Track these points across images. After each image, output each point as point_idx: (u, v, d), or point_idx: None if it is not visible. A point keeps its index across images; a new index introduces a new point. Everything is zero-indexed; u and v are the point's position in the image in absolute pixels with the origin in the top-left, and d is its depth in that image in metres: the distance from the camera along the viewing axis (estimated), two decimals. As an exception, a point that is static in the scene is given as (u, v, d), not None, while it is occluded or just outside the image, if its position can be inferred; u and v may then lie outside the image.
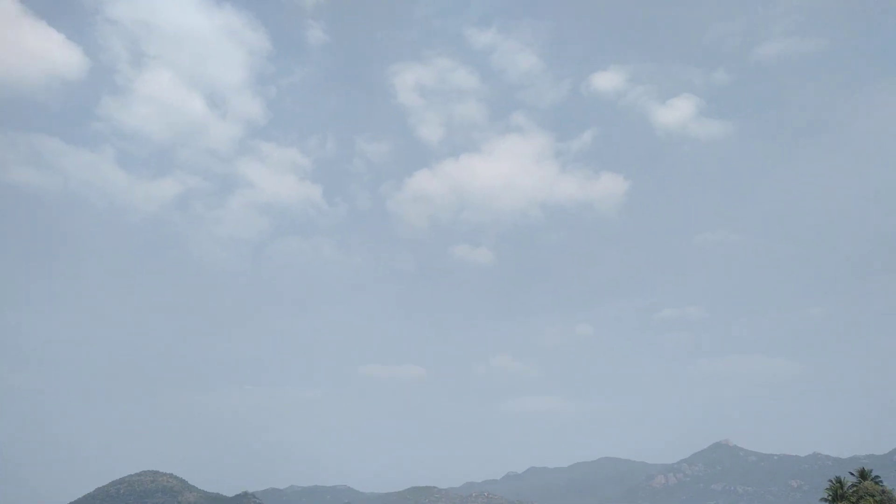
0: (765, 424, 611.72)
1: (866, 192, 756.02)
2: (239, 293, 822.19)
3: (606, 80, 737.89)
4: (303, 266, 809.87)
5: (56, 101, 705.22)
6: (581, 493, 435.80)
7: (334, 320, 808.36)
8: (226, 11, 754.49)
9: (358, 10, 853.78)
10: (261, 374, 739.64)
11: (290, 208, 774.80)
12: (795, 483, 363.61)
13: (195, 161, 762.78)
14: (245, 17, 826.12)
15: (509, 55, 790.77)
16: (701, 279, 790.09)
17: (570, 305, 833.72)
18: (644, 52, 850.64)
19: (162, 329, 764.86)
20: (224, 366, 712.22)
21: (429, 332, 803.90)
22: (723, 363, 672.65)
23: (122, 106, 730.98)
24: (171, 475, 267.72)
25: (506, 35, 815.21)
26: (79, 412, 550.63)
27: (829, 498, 54.09)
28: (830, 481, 55.47)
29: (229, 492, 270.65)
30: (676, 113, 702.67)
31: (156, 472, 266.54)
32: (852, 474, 56.47)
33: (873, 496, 50.57)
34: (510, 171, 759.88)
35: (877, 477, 55.84)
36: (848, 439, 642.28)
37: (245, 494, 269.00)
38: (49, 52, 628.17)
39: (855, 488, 53.04)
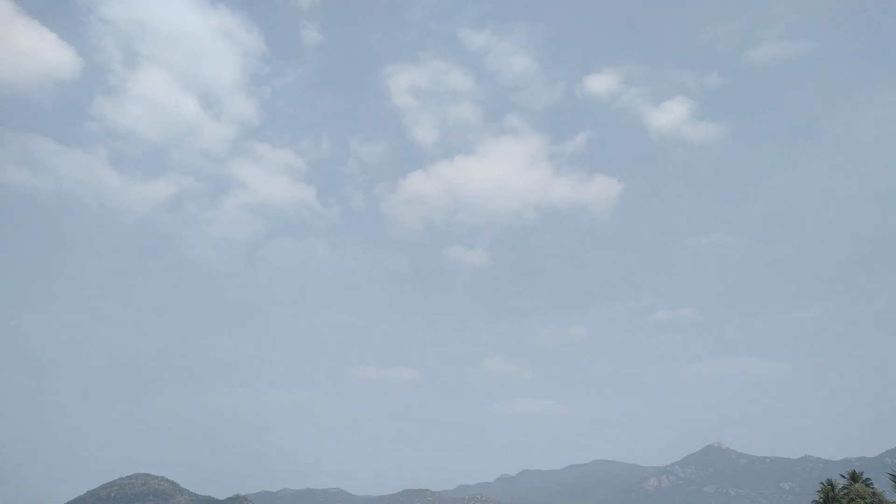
0: (757, 427, 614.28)
1: (859, 194, 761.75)
2: (232, 295, 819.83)
3: (600, 83, 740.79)
4: (296, 267, 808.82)
5: (49, 100, 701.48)
6: (574, 495, 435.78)
7: (327, 322, 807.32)
8: (220, 12, 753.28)
9: (353, 12, 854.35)
10: (253, 376, 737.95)
11: (284, 209, 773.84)
12: (787, 485, 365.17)
13: (188, 162, 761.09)
14: (239, 18, 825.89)
15: (504, 57, 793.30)
16: (694, 281, 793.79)
17: (564, 307, 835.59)
18: (638, 55, 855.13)
19: (154, 330, 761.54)
20: (216, 368, 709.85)
21: (422, 334, 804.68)
22: (715, 365, 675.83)
23: (116, 106, 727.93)
24: (162, 478, 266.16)
25: (500, 37, 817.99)
26: (68, 414, 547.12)
27: (821, 500, 54.26)
28: (822, 484, 55.65)
29: (221, 494, 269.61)
30: (670, 115, 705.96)
31: (147, 475, 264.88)
32: (843, 477, 56.68)
33: (864, 498, 50.78)
34: (504, 172, 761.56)
35: (867, 479, 56.07)
36: (839, 442, 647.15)
37: (237, 497, 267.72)
38: (42, 51, 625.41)
39: (846, 491, 53.24)
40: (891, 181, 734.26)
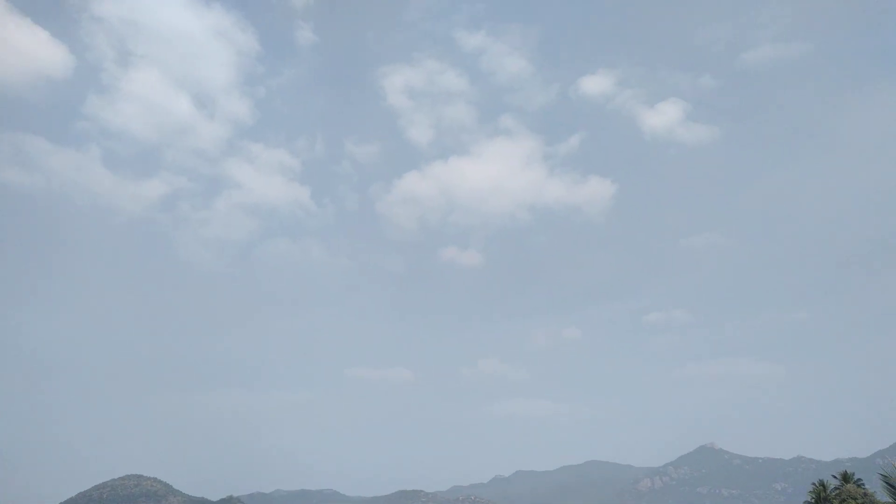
0: (750, 427, 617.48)
1: (853, 195, 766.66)
2: (226, 295, 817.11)
3: (595, 84, 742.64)
4: (290, 268, 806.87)
5: (41, 99, 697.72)
6: (568, 496, 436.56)
7: (322, 322, 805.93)
8: (214, 11, 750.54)
9: (348, 12, 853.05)
10: (247, 377, 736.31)
11: (278, 209, 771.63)
12: (780, 486, 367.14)
13: (182, 161, 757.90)
14: (234, 18, 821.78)
15: (498, 58, 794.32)
16: (687, 283, 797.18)
17: (558, 308, 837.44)
18: (632, 57, 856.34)
19: (147, 331, 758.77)
20: (209, 368, 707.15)
21: (417, 335, 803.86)
22: (709, 366, 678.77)
23: (108, 105, 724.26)
24: (155, 479, 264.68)
25: (495, 38, 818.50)
26: (59, 414, 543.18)
27: (813, 501, 54.53)
28: (814, 484, 55.88)
29: (214, 496, 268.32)
30: (664, 117, 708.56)
31: (139, 476, 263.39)
32: (835, 477, 56.95)
33: (855, 499, 51.09)
34: (499, 173, 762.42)
35: (859, 480, 56.42)
36: (831, 443, 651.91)
37: (230, 499, 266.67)
38: (34, 49, 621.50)
39: (838, 491, 53.53)
40: (884, 183, 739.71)
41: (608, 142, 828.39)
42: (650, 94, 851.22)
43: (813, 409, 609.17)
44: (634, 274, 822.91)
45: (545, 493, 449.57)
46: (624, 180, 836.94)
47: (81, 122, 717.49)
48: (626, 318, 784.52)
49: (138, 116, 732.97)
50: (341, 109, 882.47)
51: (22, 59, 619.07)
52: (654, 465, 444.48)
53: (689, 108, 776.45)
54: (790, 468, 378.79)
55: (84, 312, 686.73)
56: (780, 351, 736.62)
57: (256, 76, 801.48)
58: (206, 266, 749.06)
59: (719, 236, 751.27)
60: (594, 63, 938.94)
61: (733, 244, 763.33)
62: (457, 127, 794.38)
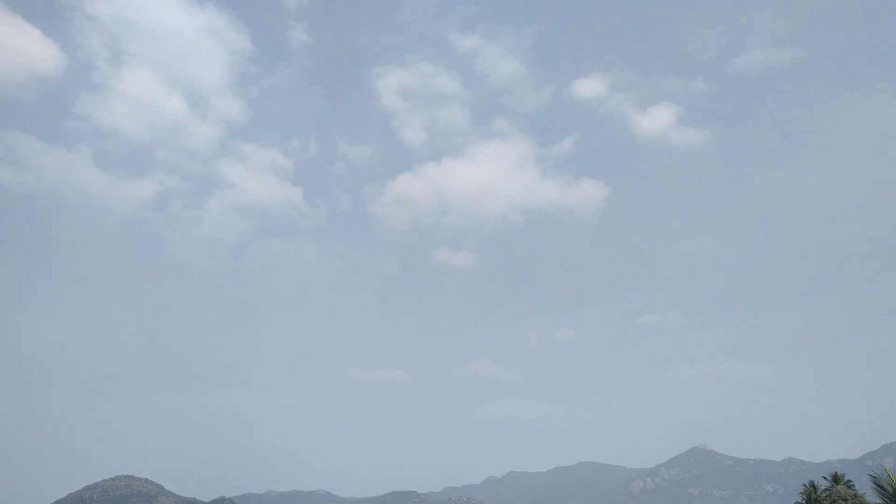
0: (741, 429, 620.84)
1: (843, 199, 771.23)
2: (218, 295, 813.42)
3: (588, 88, 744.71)
4: (283, 268, 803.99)
5: (32, 97, 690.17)
6: (560, 497, 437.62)
7: (315, 323, 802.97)
8: (208, 11, 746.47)
9: (342, 13, 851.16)
10: (240, 377, 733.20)
11: (271, 210, 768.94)
12: (771, 487, 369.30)
13: (174, 161, 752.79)
14: (227, 17, 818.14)
15: (492, 60, 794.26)
16: (680, 285, 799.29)
17: (551, 310, 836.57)
18: (625, 61, 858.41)
19: (138, 331, 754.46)
20: (201, 368, 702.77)
21: (410, 336, 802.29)
22: (701, 368, 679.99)
23: (100, 104, 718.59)
24: (146, 480, 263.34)
25: (489, 40, 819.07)
26: (49, 415, 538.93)
27: (803, 502, 54.94)
28: (804, 485, 56.30)
29: (206, 497, 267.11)
30: (656, 121, 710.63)
31: (131, 477, 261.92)
32: (825, 479, 57.43)
33: (845, 500, 51.56)
34: (492, 175, 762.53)
35: (849, 481, 56.94)
36: (822, 444, 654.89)
37: (222, 499, 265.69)
38: (25, 48, 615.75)
39: (828, 492, 54.00)
40: (874, 186, 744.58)
41: (601, 145, 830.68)
42: (643, 98, 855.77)
43: (804, 411, 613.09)
44: (627, 276, 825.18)
45: (538, 494, 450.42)
46: (617, 183, 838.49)
47: (73, 121, 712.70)
48: (619, 319, 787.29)
49: (130, 116, 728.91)
50: (335, 110, 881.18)
51: (13, 57, 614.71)
52: (647, 467, 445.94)
53: (681, 112, 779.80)
54: (781, 469, 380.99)
55: (73, 312, 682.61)
56: (772, 353, 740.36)
57: (249, 76, 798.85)
58: (198, 266, 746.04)
59: (711, 239, 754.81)
60: (587, 66, 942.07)
61: (725, 247, 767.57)
62: (450, 129, 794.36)
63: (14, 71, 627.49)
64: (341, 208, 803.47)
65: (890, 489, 17.37)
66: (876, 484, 17.99)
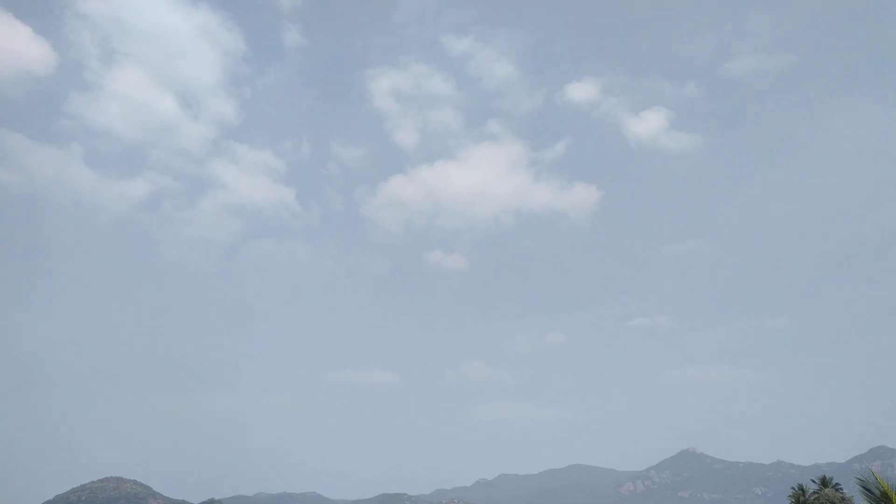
0: (731, 432, 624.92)
1: (832, 204, 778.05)
2: (209, 296, 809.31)
3: (580, 91, 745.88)
4: (275, 269, 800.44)
5: (22, 96, 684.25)
6: (551, 500, 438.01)
7: (306, 324, 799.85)
8: (201, 11, 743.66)
9: (335, 14, 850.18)
10: (230, 379, 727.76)
11: (263, 211, 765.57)
12: (760, 490, 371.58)
13: (166, 161, 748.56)
14: (220, 17, 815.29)
15: (486, 63, 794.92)
16: (671, 289, 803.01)
17: (543, 313, 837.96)
18: (617, 65, 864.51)
19: (129, 332, 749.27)
20: (192, 370, 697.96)
21: (401, 338, 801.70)
22: (691, 372, 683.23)
23: (91, 103, 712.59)
24: (135, 482, 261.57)
25: (483, 43, 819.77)
26: (37, 416, 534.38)
27: (792, 505, 55.34)
28: (793, 489, 56.66)
29: (196, 499, 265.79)
30: (648, 125, 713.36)
31: (119, 479, 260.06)
32: (814, 482, 57.84)
33: (833, 503, 51.97)
34: (485, 178, 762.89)
35: (837, 485, 57.38)
36: (810, 448, 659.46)
37: (212, 501, 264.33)
38: (16, 46, 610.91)
39: (816, 496, 54.37)
40: (863, 191, 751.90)
41: (593, 148, 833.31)
42: (635, 102, 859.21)
43: (793, 414, 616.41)
44: (619, 279, 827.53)
45: (529, 497, 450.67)
46: (609, 187, 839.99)
47: (63, 120, 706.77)
48: (610, 323, 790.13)
49: (122, 115, 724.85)
50: (327, 111, 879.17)
51: (4, 55, 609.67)
52: (637, 470, 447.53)
53: (673, 117, 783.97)
54: (770, 473, 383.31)
55: (62, 313, 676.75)
56: (762, 357, 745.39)
57: (242, 76, 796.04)
58: (189, 266, 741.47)
59: (702, 243, 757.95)
60: (580, 70, 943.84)
61: (716, 251, 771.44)
62: (443, 131, 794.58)
63: (5, 69, 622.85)
64: (334, 209, 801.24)
65: (877, 492, 17.58)
66: (864, 487, 18.20)
